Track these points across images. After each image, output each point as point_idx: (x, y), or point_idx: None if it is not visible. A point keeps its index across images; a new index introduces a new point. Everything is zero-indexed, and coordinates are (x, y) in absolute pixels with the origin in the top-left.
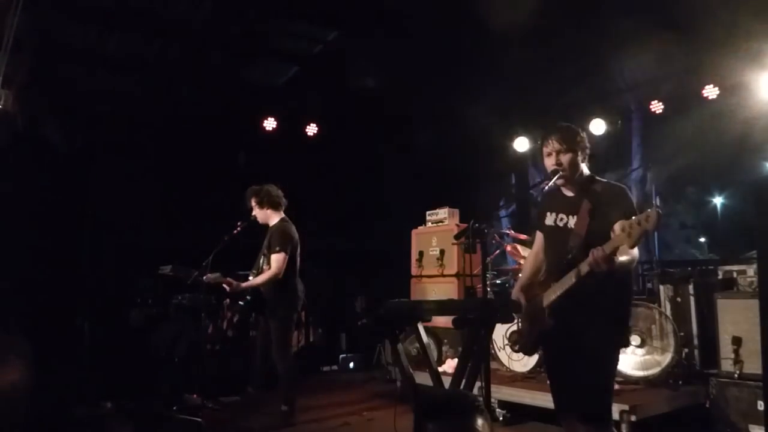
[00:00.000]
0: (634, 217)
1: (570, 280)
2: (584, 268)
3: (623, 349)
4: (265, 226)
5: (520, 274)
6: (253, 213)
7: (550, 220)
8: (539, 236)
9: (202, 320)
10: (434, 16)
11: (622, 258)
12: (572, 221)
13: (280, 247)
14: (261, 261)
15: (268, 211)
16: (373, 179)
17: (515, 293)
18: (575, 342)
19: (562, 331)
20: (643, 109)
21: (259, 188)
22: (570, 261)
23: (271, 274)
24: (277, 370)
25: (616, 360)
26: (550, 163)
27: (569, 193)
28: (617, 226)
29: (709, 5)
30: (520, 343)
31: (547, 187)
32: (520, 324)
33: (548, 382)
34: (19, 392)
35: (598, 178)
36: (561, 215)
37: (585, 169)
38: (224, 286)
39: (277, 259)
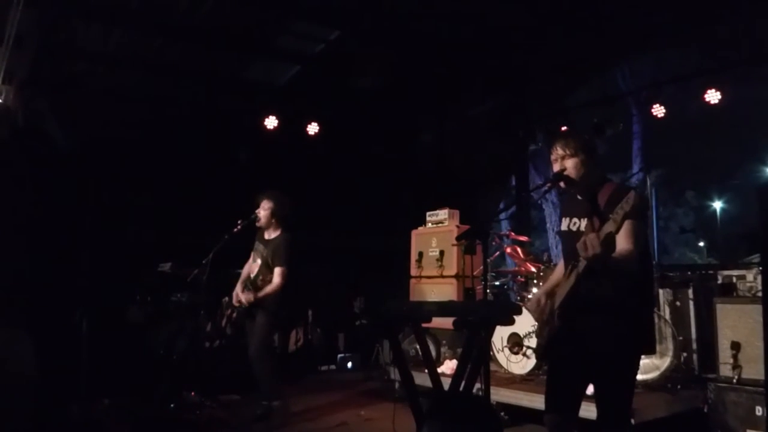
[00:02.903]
0: (624, 202)
1: (571, 281)
2: (581, 266)
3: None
4: (259, 228)
5: (519, 276)
6: (259, 214)
7: (565, 225)
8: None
9: (201, 318)
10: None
11: (617, 251)
12: (583, 224)
13: (285, 262)
14: (258, 271)
15: (275, 222)
16: (374, 179)
17: (537, 294)
18: (588, 345)
19: (572, 333)
20: (644, 112)
21: (279, 197)
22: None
23: (278, 287)
24: (256, 370)
25: (637, 365)
26: (555, 168)
27: (580, 197)
28: (615, 210)
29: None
30: (536, 347)
31: (535, 193)
32: (537, 329)
33: (547, 380)
34: (23, 387)
35: (609, 179)
36: (574, 219)
37: (595, 172)
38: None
39: (282, 274)
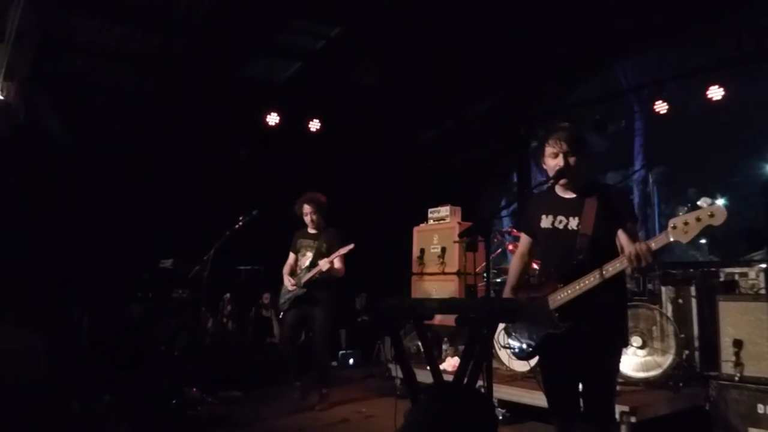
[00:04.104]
0: (692, 213)
1: (592, 280)
2: (610, 268)
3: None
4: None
5: None
6: (311, 221)
7: (546, 222)
8: (526, 238)
9: (203, 314)
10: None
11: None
12: (574, 223)
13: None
14: (311, 262)
15: (324, 218)
16: (376, 176)
17: (507, 295)
18: (584, 343)
19: (575, 334)
20: (646, 109)
21: (318, 198)
22: (580, 262)
23: (342, 270)
24: (318, 356)
25: (620, 358)
26: (554, 163)
27: (569, 195)
28: (672, 222)
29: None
30: (518, 347)
31: (537, 190)
32: (512, 328)
33: (544, 382)
34: (31, 384)
35: (598, 180)
36: (560, 217)
37: (586, 171)
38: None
39: (342, 260)
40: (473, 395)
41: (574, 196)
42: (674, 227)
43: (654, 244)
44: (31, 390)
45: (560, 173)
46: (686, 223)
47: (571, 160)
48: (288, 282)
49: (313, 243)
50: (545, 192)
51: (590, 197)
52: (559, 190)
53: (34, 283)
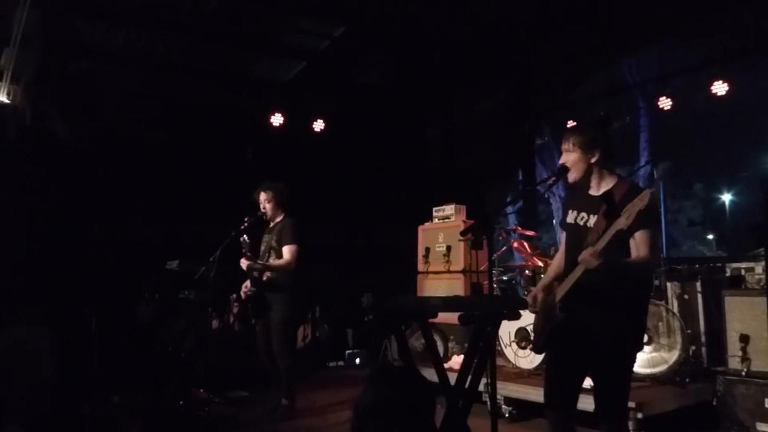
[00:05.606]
0: (636, 199)
1: (577, 273)
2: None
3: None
4: (266, 221)
5: (527, 271)
6: (263, 208)
7: (571, 218)
8: (564, 235)
9: (209, 315)
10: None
11: (633, 258)
12: (592, 220)
13: (294, 240)
14: (268, 255)
15: (278, 209)
16: (380, 175)
17: (534, 290)
18: (591, 339)
19: (574, 326)
20: (651, 105)
21: (276, 185)
22: None
23: (286, 262)
24: (277, 364)
25: (634, 358)
26: (562, 160)
27: (594, 192)
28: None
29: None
30: (533, 340)
31: (541, 187)
32: (534, 322)
33: (546, 374)
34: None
35: (621, 177)
36: (582, 214)
37: (597, 168)
38: (244, 258)
39: (291, 251)
40: (407, 375)
41: (597, 193)
42: (624, 213)
43: (598, 246)
44: (41, 391)
45: (560, 171)
46: (629, 209)
47: (570, 157)
48: (243, 288)
49: (268, 238)
50: (578, 188)
51: (606, 196)
52: (590, 187)
53: (42, 285)
